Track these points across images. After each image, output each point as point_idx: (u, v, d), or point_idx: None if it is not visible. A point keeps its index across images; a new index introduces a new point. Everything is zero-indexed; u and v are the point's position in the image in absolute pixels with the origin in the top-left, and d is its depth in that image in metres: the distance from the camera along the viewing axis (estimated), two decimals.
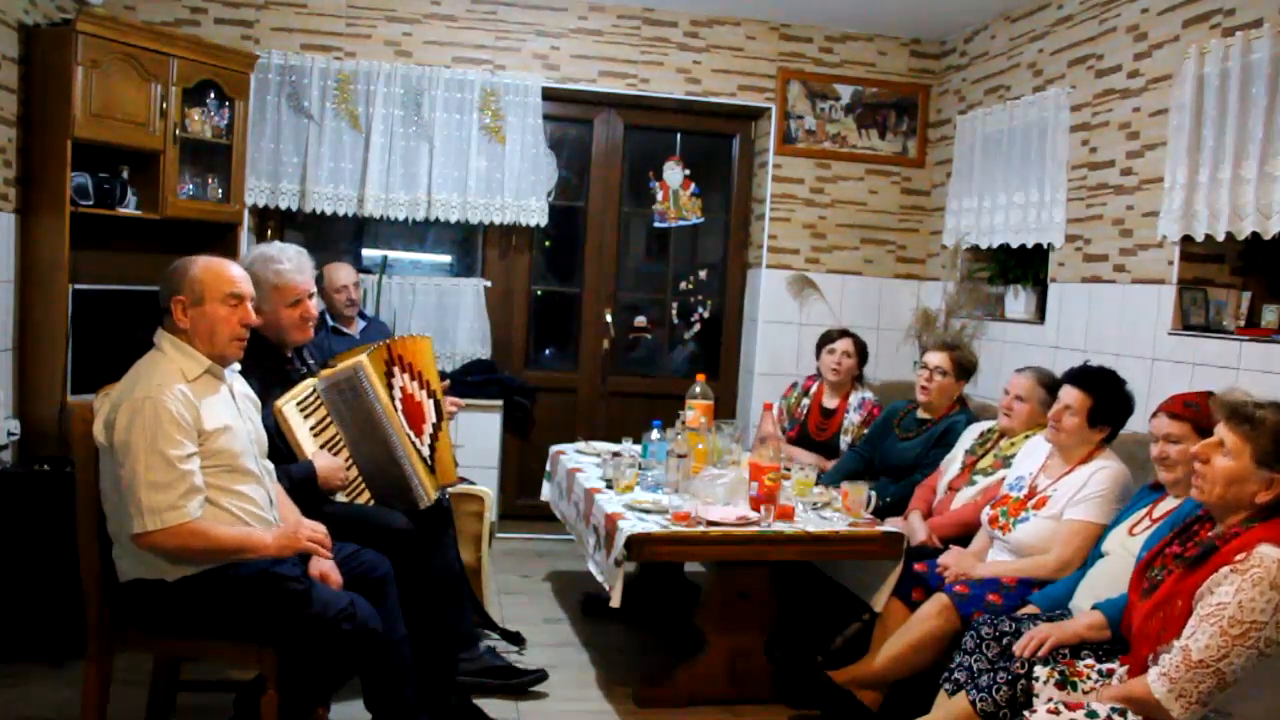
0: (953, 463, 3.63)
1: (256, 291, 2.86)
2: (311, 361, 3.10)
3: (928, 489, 3.66)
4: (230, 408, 2.45)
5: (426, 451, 3.02)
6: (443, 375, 3.30)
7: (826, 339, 4.44)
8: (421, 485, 2.95)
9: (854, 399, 4.36)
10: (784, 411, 4.52)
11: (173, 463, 2.24)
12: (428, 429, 3.05)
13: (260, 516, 2.44)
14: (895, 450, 3.90)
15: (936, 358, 3.86)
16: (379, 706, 2.57)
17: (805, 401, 4.50)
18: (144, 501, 2.22)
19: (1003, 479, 3.31)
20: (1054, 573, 2.91)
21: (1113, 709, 2.13)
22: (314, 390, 2.87)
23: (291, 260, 2.94)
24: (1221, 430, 2.19)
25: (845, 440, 4.28)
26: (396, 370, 2.97)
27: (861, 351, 4.39)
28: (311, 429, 2.84)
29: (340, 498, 2.87)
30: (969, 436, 3.67)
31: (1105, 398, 3.04)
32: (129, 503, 2.24)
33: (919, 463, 3.79)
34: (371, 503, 2.94)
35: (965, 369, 3.88)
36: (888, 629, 3.09)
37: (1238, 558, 2.05)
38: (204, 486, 2.30)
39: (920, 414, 3.93)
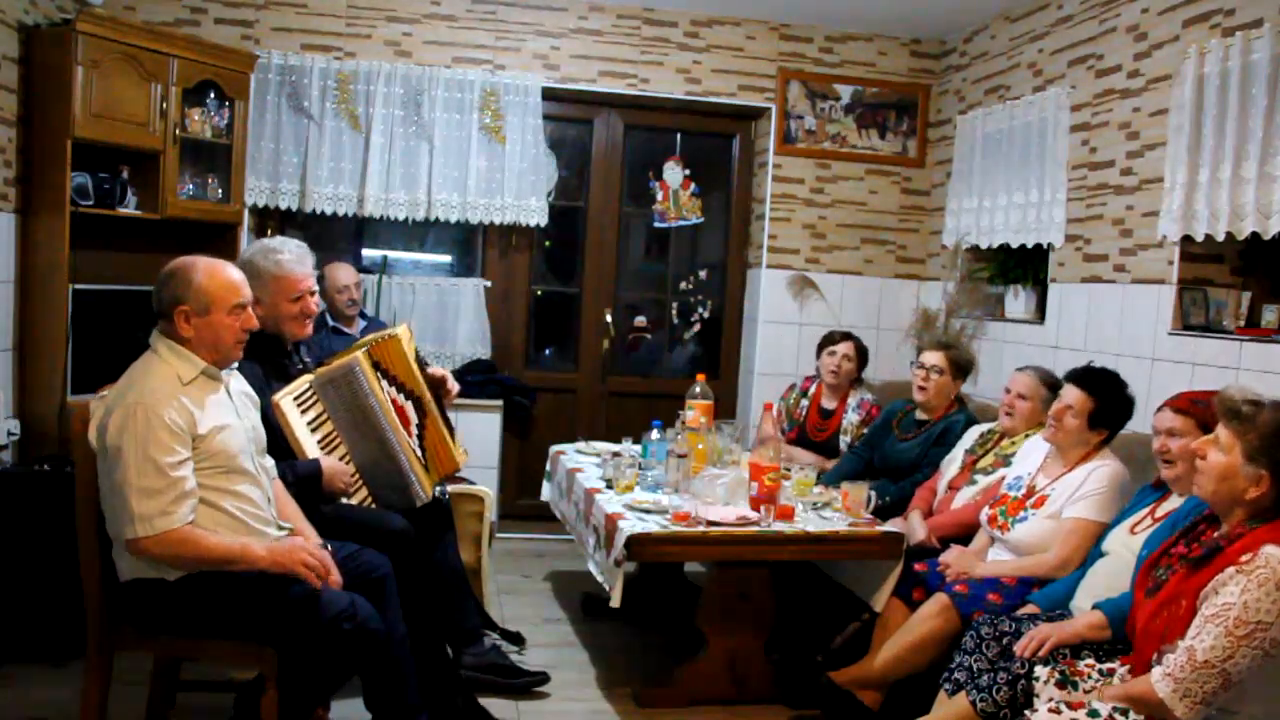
0: (952, 462, 3.63)
1: (256, 283, 2.84)
2: (309, 359, 3.10)
3: (929, 489, 3.66)
4: (227, 407, 2.44)
5: (418, 449, 3.02)
6: (424, 364, 3.22)
7: (828, 340, 4.43)
8: (418, 481, 2.96)
9: (852, 400, 4.36)
10: (782, 413, 4.51)
11: (164, 470, 2.23)
12: (413, 429, 3.05)
13: (259, 516, 2.44)
14: (894, 450, 3.90)
15: (933, 357, 3.86)
16: (379, 706, 2.56)
17: (804, 402, 4.50)
18: (135, 508, 2.22)
19: (1002, 478, 3.31)
20: (1054, 571, 2.92)
21: (1115, 708, 2.13)
22: (310, 386, 2.88)
23: (293, 253, 2.93)
24: (1218, 427, 2.20)
25: (844, 441, 4.28)
26: (381, 374, 2.97)
27: (862, 355, 4.39)
28: (309, 424, 2.84)
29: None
30: (969, 436, 3.67)
31: (1108, 401, 3.04)
32: (121, 508, 2.24)
33: (918, 463, 3.79)
34: (369, 501, 2.94)
35: (961, 368, 3.88)
36: (888, 629, 3.09)
37: (1243, 558, 2.05)
38: (196, 491, 2.29)
39: (919, 414, 3.93)
